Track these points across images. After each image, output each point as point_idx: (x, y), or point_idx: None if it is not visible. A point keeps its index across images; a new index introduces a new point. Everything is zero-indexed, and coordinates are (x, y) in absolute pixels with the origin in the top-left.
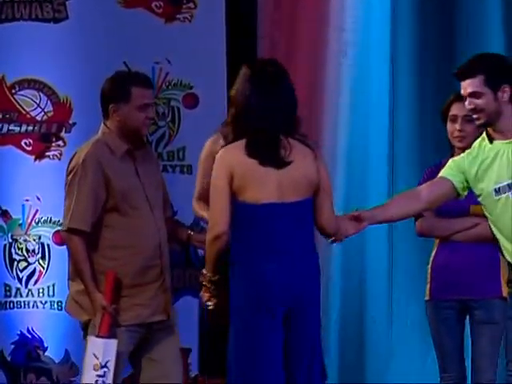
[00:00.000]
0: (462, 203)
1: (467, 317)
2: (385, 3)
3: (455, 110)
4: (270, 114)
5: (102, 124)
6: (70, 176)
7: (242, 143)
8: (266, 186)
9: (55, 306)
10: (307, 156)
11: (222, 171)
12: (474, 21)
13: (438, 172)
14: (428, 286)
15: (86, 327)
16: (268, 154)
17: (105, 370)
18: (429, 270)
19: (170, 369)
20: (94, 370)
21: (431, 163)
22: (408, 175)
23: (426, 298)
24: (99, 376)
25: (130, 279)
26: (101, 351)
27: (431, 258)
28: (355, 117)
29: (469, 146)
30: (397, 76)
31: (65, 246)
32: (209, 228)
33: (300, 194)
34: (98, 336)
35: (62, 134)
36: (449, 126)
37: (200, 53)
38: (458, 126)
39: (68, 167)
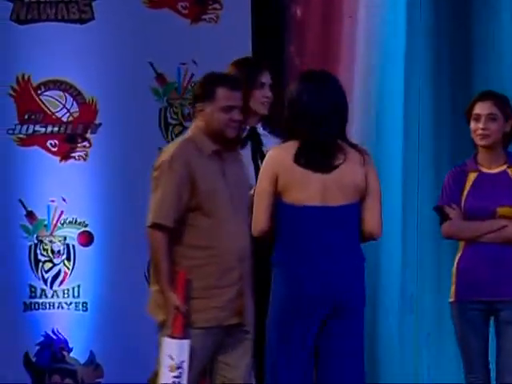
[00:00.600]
0: (489, 205)
1: (492, 318)
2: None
3: (478, 109)
4: (325, 115)
5: (193, 123)
6: (157, 172)
7: (293, 145)
8: (310, 189)
9: (80, 307)
10: (356, 161)
11: (269, 171)
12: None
13: (464, 172)
14: (453, 287)
15: (161, 327)
16: (316, 159)
17: (180, 370)
18: (454, 272)
19: (243, 374)
20: (170, 371)
21: (445, 164)
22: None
23: (451, 299)
24: (175, 377)
25: (208, 281)
26: (175, 352)
27: (456, 260)
28: (367, 119)
29: (492, 145)
30: (410, 77)
31: (89, 247)
32: (252, 227)
33: (346, 198)
34: (171, 337)
35: (88, 134)
36: (472, 124)
37: (226, 53)
38: (481, 125)
39: (155, 163)
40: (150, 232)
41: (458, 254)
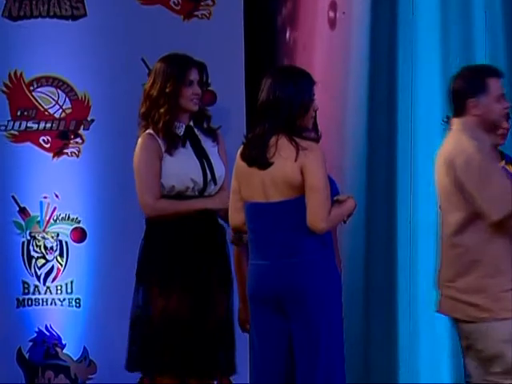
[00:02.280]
0: None
1: None
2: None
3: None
4: (264, 109)
5: (457, 121)
6: (472, 170)
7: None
8: (253, 185)
9: (73, 303)
10: (287, 156)
11: (234, 167)
12: None
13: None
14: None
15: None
16: (251, 155)
17: None
18: None
19: None
20: None
21: None
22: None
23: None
24: None
25: None
26: None
27: None
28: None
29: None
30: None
31: (82, 244)
32: None
33: (282, 194)
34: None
35: (81, 131)
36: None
37: (218, 49)
38: (505, 124)
39: (459, 165)
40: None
41: None
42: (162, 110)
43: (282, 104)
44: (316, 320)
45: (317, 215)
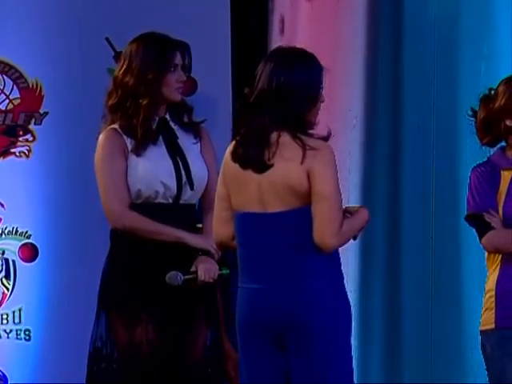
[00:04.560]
0: None
1: None
2: None
3: None
4: (263, 99)
5: None
6: None
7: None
8: (247, 191)
9: (22, 335)
10: (292, 158)
11: (221, 169)
12: None
13: (495, 171)
14: (490, 312)
15: None
16: (247, 154)
17: None
18: (490, 294)
19: None
20: None
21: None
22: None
23: (488, 327)
24: None
25: None
26: None
27: (493, 280)
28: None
29: None
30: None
31: (33, 263)
32: None
33: (283, 203)
34: None
35: (31, 126)
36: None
37: (199, 28)
38: None
39: None
40: None
41: (495, 273)
42: (142, 101)
43: (288, 93)
44: (322, 356)
45: (326, 229)
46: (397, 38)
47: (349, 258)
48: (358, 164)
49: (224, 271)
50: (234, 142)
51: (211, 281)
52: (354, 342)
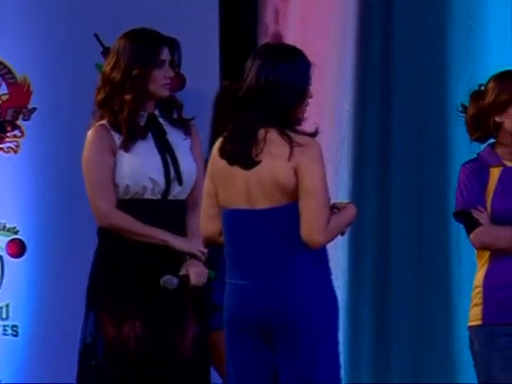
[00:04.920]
0: None
1: None
2: None
3: None
4: (251, 95)
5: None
6: None
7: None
8: (234, 188)
9: (9, 331)
10: (279, 154)
11: (208, 164)
12: None
13: (485, 167)
14: (478, 308)
15: None
16: (234, 151)
17: None
18: (478, 290)
19: None
20: None
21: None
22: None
23: (475, 322)
24: None
25: None
26: None
27: (481, 276)
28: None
29: None
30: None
31: (21, 259)
32: None
33: (270, 199)
34: None
35: (19, 121)
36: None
37: (187, 23)
38: None
39: None
40: None
41: (483, 269)
42: (127, 97)
43: (275, 90)
44: (309, 353)
45: (313, 225)
46: (387, 33)
47: (337, 254)
48: (347, 160)
49: (211, 274)
50: (221, 139)
51: (201, 285)
52: (342, 338)
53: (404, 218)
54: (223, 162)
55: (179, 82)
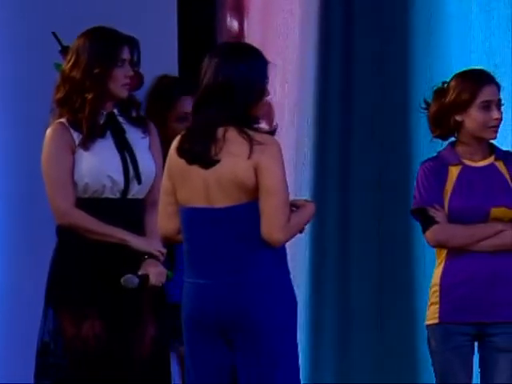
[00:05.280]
0: (481, 205)
1: (477, 344)
2: None
3: (488, 94)
4: (209, 93)
5: None
6: None
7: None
8: (193, 186)
9: None
10: (239, 153)
11: (166, 162)
12: None
13: (444, 166)
14: (434, 307)
15: None
16: (193, 149)
17: None
18: (435, 288)
19: None
20: None
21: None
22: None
23: (432, 321)
24: None
25: None
26: None
27: (438, 274)
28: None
29: None
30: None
31: None
32: None
33: (229, 198)
34: None
35: None
36: (479, 114)
37: (145, 22)
38: (496, 114)
39: None
40: None
41: (440, 267)
42: (88, 96)
43: (234, 88)
44: (269, 352)
45: (274, 224)
46: (348, 33)
47: (298, 252)
48: (308, 158)
49: (169, 274)
50: (179, 137)
51: (160, 284)
52: (303, 338)
53: (365, 218)
54: (181, 161)
55: (138, 80)
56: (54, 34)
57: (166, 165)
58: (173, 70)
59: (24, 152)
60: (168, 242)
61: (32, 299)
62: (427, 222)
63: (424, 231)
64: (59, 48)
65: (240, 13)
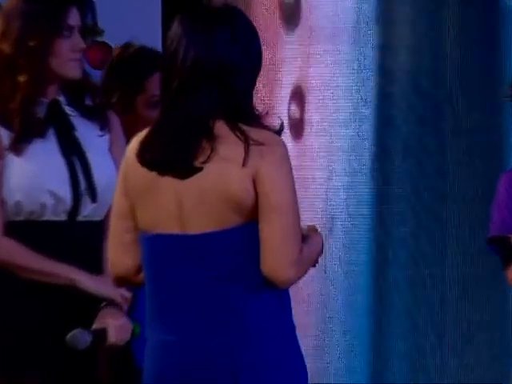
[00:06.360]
0: None
1: None
2: None
3: None
4: (192, 80)
5: None
6: None
7: (144, 133)
8: (160, 204)
9: None
10: (231, 157)
11: (119, 174)
12: None
13: None
14: None
15: None
16: (164, 154)
17: None
18: None
19: None
20: None
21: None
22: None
23: None
24: None
25: None
26: None
27: None
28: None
29: None
30: None
31: None
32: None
33: (217, 220)
34: None
35: None
36: None
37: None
38: None
39: None
40: None
41: None
42: (20, 78)
43: (225, 67)
44: None
45: (281, 256)
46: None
47: None
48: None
49: (136, 329)
50: (141, 137)
51: (123, 343)
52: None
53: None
54: (144, 170)
55: (101, 55)
56: None
57: (120, 177)
58: (156, 39)
59: None
60: (123, 283)
61: None
62: (510, 256)
63: (504, 267)
64: None
65: None
